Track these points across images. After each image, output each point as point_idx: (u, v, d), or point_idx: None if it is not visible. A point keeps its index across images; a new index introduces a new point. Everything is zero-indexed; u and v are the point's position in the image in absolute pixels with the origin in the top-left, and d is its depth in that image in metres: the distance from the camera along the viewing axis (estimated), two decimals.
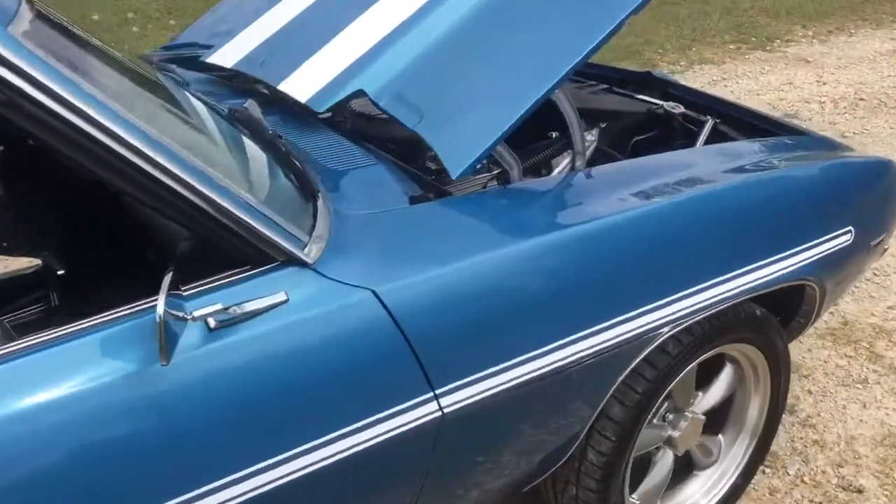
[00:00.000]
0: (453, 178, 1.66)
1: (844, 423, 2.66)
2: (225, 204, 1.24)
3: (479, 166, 1.86)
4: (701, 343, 1.90)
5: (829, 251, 2.05)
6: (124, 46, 5.97)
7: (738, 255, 1.86)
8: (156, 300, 1.11)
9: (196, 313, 1.18)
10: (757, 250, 1.89)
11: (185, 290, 1.24)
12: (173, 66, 2.38)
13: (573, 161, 1.94)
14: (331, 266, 1.38)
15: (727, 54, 6.68)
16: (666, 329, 1.76)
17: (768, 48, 6.84)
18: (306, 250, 1.36)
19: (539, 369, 1.58)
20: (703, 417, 2.09)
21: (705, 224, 1.81)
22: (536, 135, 2.10)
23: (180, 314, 1.16)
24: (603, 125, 2.14)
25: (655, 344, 1.77)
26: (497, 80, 1.80)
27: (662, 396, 1.91)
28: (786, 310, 2.22)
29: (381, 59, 1.92)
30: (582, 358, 1.63)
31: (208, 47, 2.34)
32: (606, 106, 2.60)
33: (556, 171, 1.94)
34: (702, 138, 2.34)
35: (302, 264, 1.35)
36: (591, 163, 2.27)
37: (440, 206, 1.66)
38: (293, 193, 1.52)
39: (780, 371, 2.15)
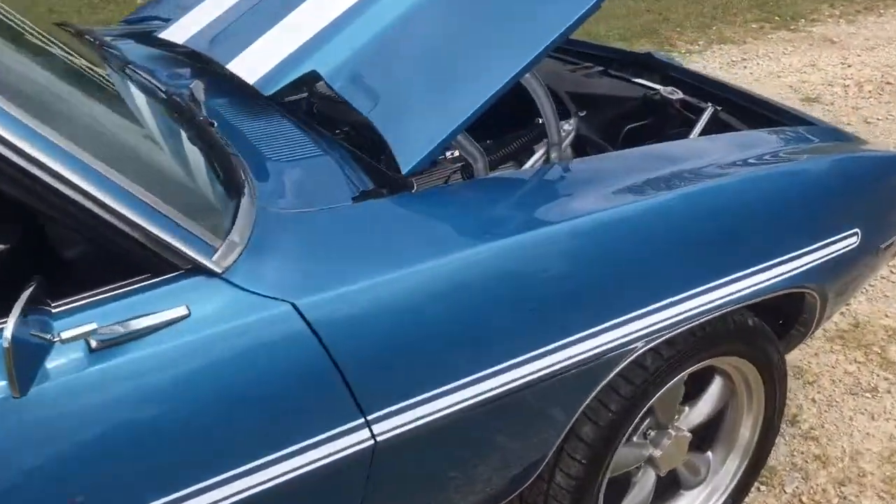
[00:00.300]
0: (403, 173, 1.49)
1: (850, 436, 2.47)
2: (111, 202, 1.08)
3: (441, 157, 1.69)
4: (684, 357, 1.72)
5: (830, 256, 1.86)
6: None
7: (724, 261, 1.67)
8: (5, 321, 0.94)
9: (66, 334, 1.02)
10: (747, 256, 1.70)
11: (57, 306, 1.07)
12: (129, 42, 2.21)
13: (547, 153, 1.75)
14: (246, 275, 1.21)
15: (749, 34, 6.43)
16: (640, 344, 1.58)
17: (792, 27, 6.57)
18: (216, 257, 1.19)
19: (491, 390, 1.41)
20: (688, 435, 1.91)
21: (688, 228, 1.62)
22: (522, 123, 1.92)
23: (45, 336, 0.99)
24: (582, 113, 1.95)
25: (630, 359, 1.60)
26: (459, 63, 1.62)
27: (641, 414, 1.74)
28: (785, 315, 2.03)
29: (336, 39, 1.74)
30: (543, 377, 1.46)
31: (167, 20, 2.17)
32: (599, 90, 2.41)
33: (528, 164, 1.75)
34: (697, 128, 2.14)
35: (209, 273, 1.18)
36: (580, 152, 2.10)
37: (389, 204, 1.49)
38: (210, 191, 1.35)
39: (775, 386, 1.96)
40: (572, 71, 2.52)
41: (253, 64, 1.77)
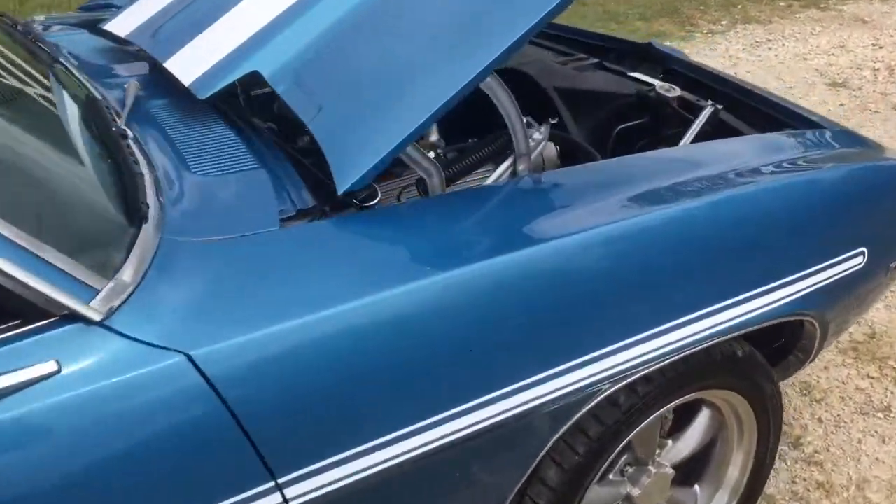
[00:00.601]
0: (339, 192, 1.33)
1: (857, 461, 2.29)
2: None
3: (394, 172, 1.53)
4: (662, 394, 1.55)
5: (831, 279, 1.67)
6: None
7: (707, 290, 1.49)
8: None
9: None
10: (733, 283, 1.52)
11: None
12: (81, 33, 2.06)
13: (514, 165, 1.57)
14: (133, 321, 1.06)
15: (776, 12, 6.15)
16: (606, 386, 1.41)
17: (822, 6, 6.28)
18: (97, 301, 1.04)
19: (429, 444, 1.25)
20: (671, 472, 1.75)
21: (666, 255, 1.44)
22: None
23: None
24: (554, 120, 1.76)
25: (597, 400, 1.43)
26: (409, 68, 1.45)
27: (615, 453, 1.57)
28: (783, 338, 1.85)
29: (280, 37, 1.57)
30: (490, 427, 1.30)
31: (120, 9, 2.01)
32: (590, 86, 2.22)
33: (492, 179, 1.58)
34: (692, 131, 1.95)
35: (87, 321, 1.03)
36: (565, 156, 1.91)
37: (325, 228, 1.33)
38: (103, 220, 1.19)
39: (768, 419, 1.79)
40: (563, 63, 2.33)
41: (190, 63, 1.60)
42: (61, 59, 1.69)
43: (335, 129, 1.41)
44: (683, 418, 1.80)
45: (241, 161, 1.45)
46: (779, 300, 1.58)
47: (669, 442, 1.77)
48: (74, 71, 1.66)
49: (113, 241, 1.14)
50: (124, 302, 1.06)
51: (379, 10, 1.56)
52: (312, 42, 1.56)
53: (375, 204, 1.44)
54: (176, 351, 1.05)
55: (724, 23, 5.89)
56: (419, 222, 1.40)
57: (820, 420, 2.42)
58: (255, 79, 1.56)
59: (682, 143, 1.92)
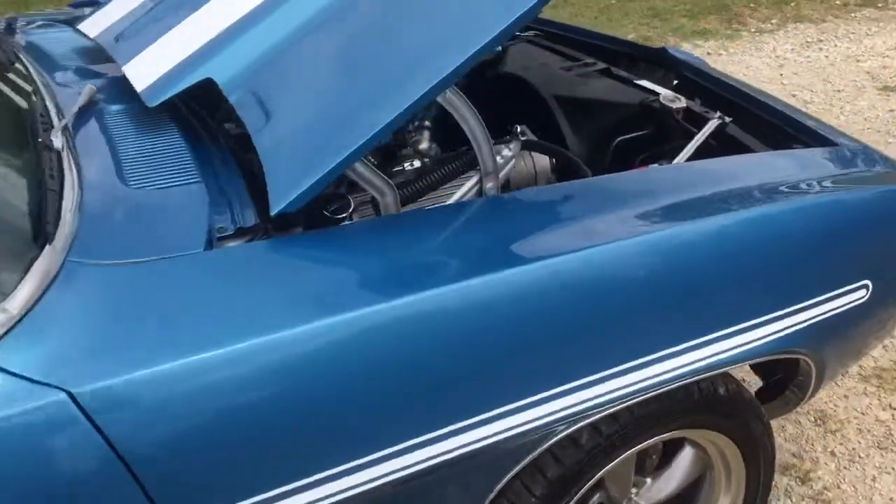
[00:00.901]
0: (272, 214, 1.24)
1: (870, 500, 2.13)
2: None
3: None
4: (631, 433, 1.44)
5: (828, 315, 1.53)
6: None
7: (685, 325, 1.37)
8: None
9: None
10: (715, 318, 1.39)
11: None
12: (63, 31, 2.01)
13: (480, 183, 1.46)
14: (15, 354, 0.98)
15: (830, 10, 5.90)
16: (562, 427, 1.30)
17: (880, 5, 6.00)
18: None
19: (356, 487, 1.16)
20: None
21: (641, 283, 1.32)
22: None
23: None
24: (524, 137, 1.64)
25: (556, 439, 1.32)
26: (357, 80, 1.35)
27: (579, 494, 1.46)
28: (780, 374, 1.72)
29: (236, 43, 1.49)
30: (429, 468, 1.20)
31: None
32: (592, 94, 2.10)
33: (454, 198, 1.47)
34: (691, 146, 1.82)
35: None
36: (561, 172, 1.80)
37: (256, 250, 1.24)
38: None
39: (758, 462, 1.65)
40: (567, 69, 2.21)
41: (145, 68, 1.53)
42: (21, 61, 1.63)
43: (280, 144, 1.32)
44: (669, 455, 1.68)
45: (184, 174, 1.37)
46: (765, 337, 1.45)
47: (648, 480, 1.65)
48: (32, 74, 1.60)
49: (9, 263, 1.07)
50: (8, 331, 0.99)
51: (338, 17, 1.47)
52: (270, 49, 1.47)
53: (345, 218, 1.37)
54: (57, 388, 0.97)
55: (774, 21, 5.67)
56: (364, 245, 1.30)
57: (833, 453, 2.27)
58: (209, 86, 1.48)
59: (677, 159, 1.79)
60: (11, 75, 1.57)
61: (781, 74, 4.81)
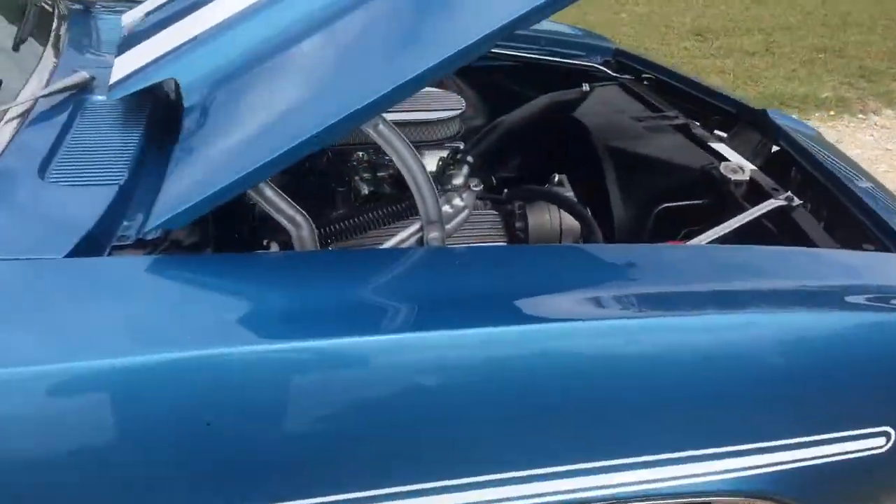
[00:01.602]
0: (146, 229, 1.15)
1: None
2: None
3: None
4: None
5: (829, 459, 1.25)
6: None
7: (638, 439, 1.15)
8: None
9: None
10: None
11: None
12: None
13: (423, 232, 1.31)
14: None
15: None
16: None
17: None
18: None
19: None
20: None
21: (581, 387, 1.11)
22: None
23: None
24: (477, 187, 1.43)
25: None
26: (283, 102, 1.25)
27: None
28: None
29: (209, 46, 1.43)
30: None
31: None
32: (651, 151, 1.88)
33: (389, 243, 1.32)
34: (725, 226, 1.56)
35: None
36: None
37: (125, 265, 1.13)
38: None
39: None
40: (640, 119, 1.99)
41: (126, 64, 1.51)
42: (36, 41, 1.66)
43: (195, 156, 1.24)
44: None
45: (110, 175, 1.30)
46: (715, 474, 1.20)
47: None
48: (43, 54, 1.62)
49: None
50: None
51: (308, 27, 1.37)
52: (236, 56, 1.40)
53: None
54: None
55: None
56: (256, 277, 1.18)
57: None
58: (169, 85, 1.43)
59: (701, 238, 1.54)
60: (22, 52, 1.59)
61: None
